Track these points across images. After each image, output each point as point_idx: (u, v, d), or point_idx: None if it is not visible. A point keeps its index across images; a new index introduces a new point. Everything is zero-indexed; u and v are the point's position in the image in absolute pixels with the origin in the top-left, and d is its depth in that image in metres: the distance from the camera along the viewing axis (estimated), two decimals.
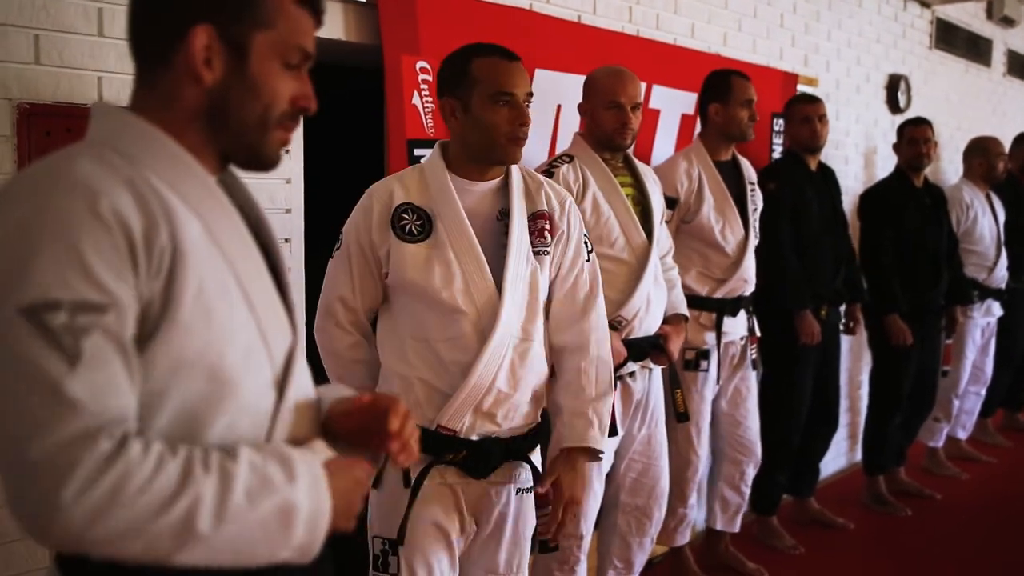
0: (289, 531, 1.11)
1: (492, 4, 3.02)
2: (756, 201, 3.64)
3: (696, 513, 3.73)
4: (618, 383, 2.90)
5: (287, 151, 2.36)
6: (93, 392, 1.00)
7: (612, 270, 2.90)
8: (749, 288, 3.58)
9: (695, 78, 3.76)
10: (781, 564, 3.97)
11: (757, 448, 3.81)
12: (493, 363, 2.10)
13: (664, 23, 3.78)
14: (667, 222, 3.41)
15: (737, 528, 3.90)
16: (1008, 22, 6.72)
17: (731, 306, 3.54)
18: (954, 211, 5.07)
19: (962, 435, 5.61)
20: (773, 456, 4.01)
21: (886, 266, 4.49)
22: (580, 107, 3.03)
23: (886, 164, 5.20)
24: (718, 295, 3.51)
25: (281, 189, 2.58)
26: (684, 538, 3.69)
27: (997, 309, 5.32)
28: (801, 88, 4.48)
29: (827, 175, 4.24)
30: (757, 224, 3.62)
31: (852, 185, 5.05)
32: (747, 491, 3.88)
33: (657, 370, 3.13)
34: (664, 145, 3.75)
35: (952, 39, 6.22)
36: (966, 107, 6.54)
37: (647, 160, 3.61)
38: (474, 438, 2.13)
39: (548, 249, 2.23)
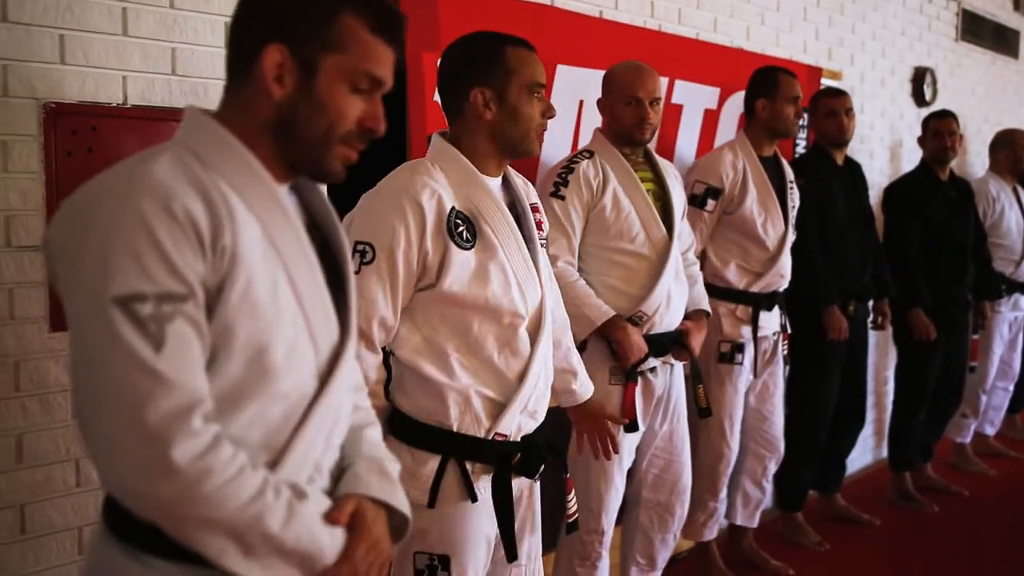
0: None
1: (514, 0, 3.02)
2: (795, 199, 3.66)
3: (723, 508, 3.73)
4: (639, 379, 2.91)
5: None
6: (178, 372, 1.13)
7: (632, 266, 2.90)
8: (784, 283, 3.60)
9: (717, 73, 3.75)
10: (806, 561, 3.95)
11: (780, 444, 3.81)
12: (540, 362, 2.09)
13: (686, 18, 3.77)
14: (710, 212, 3.43)
15: (756, 523, 3.89)
16: None
17: (767, 300, 3.55)
18: (980, 204, 5.03)
19: (990, 431, 5.57)
20: (800, 452, 4.00)
21: (911, 260, 4.47)
22: (599, 103, 3.04)
23: (912, 158, 5.16)
24: (755, 289, 3.52)
25: None
26: (712, 533, 3.68)
27: None
28: (825, 82, 4.46)
29: (853, 169, 4.22)
30: (794, 222, 3.64)
31: (878, 179, 5.01)
32: (768, 486, 3.88)
33: (679, 366, 3.12)
34: (687, 140, 3.74)
35: (978, 31, 6.16)
36: (993, 99, 6.48)
37: (670, 155, 3.60)
38: (519, 439, 2.09)
39: (544, 240, 2.24)
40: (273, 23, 1.26)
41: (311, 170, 1.34)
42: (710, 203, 3.45)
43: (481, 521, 2.06)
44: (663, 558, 3.25)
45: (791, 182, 3.66)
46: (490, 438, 2.03)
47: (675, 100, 3.61)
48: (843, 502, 4.48)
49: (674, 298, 2.97)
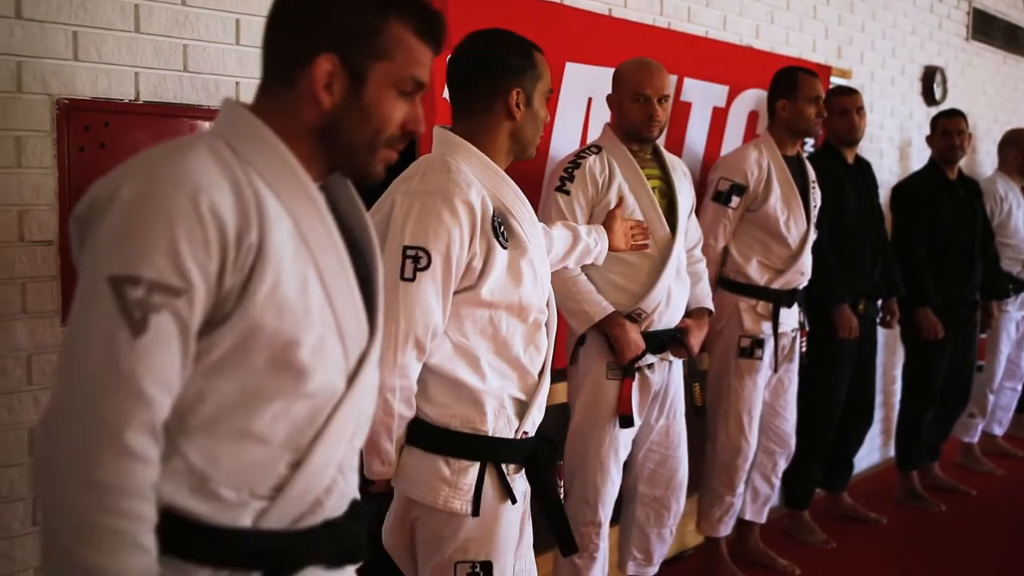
0: None
1: None
2: (816, 199, 3.68)
3: (740, 504, 3.73)
4: (636, 374, 2.93)
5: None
6: (145, 366, 1.12)
7: (634, 263, 2.92)
8: (804, 281, 3.62)
9: (726, 71, 3.76)
10: (813, 559, 3.96)
11: (792, 440, 3.82)
12: (550, 358, 2.10)
13: (695, 15, 3.77)
14: (734, 209, 3.47)
15: (764, 519, 3.90)
16: None
17: (787, 297, 3.57)
18: (988, 203, 5.03)
19: (998, 431, 5.57)
20: (808, 450, 4.01)
21: (918, 259, 4.47)
22: (608, 99, 3.05)
23: (921, 157, 5.15)
24: (775, 285, 3.55)
25: None
26: (728, 529, 3.70)
27: None
28: (835, 81, 4.46)
29: (864, 168, 4.23)
30: (816, 221, 3.66)
31: (887, 178, 5.01)
32: (777, 482, 3.89)
33: (678, 362, 3.14)
34: (696, 138, 3.75)
35: (989, 29, 6.15)
36: (1003, 99, 6.46)
37: (679, 152, 3.61)
38: (533, 433, 2.09)
39: None
40: (324, 33, 1.26)
41: (353, 172, 1.35)
42: (734, 200, 3.48)
43: (516, 520, 2.07)
44: (660, 553, 3.27)
45: (813, 182, 3.68)
46: (519, 437, 2.03)
47: (684, 98, 3.62)
48: (850, 500, 4.48)
49: (674, 296, 2.98)
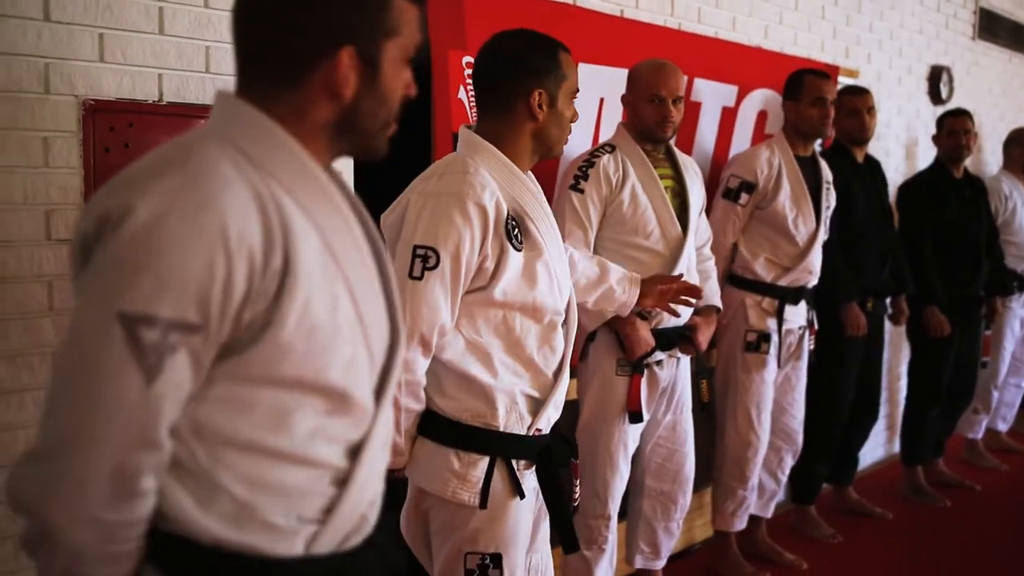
0: None
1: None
2: (830, 200, 3.73)
3: (755, 497, 3.77)
4: (645, 371, 2.97)
5: None
6: (158, 414, 1.06)
7: (646, 261, 2.96)
8: (812, 280, 3.66)
9: (736, 71, 3.79)
10: (819, 553, 3.99)
11: (799, 437, 3.86)
12: (569, 357, 2.14)
13: (705, 16, 3.81)
14: (743, 206, 3.50)
15: (770, 514, 3.94)
16: None
17: (793, 295, 3.61)
18: (993, 202, 5.06)
19: (1002, 427, 5.60)
20: (814, 446, 4.04)
21: (925, 257, 4.50)
22: (623, 99, 3.08)
23: (927, 156, 5.18)
24: (782, 283, 3.59)
25: None
26: (742, 523, 3.74)
27: None
28: (842, 80, 4.48)
29: (873, 167, 4.26)
30: (828, 222, 3.71)
31: (893, 177, 5.03)
32: (783, 478, 3.93)
33: (686, 359, 3.18)
34: (706, 137, 3.78)
35: (996, 29, 6.17)
36: (1010, 98, 6.49)
37: (688, 151, 3.64)
38: (547, 431, 2.12)
39: None
40: (335, 27, 1.18)
41: (364, 154, 1.28)
42: (743, 197, 3.53)
43: (528, 515, 2.11)
44: (667, 546, 3.31)
45: (827, 183, 3.72)
46: (531, 434, 2.07)
47: (694, 98, 3.65)
48: (856, 495, 4.52)
49: None
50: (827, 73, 3.70)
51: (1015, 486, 5.03)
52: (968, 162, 4.79)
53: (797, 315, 3.66)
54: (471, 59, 2.80)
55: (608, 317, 2.88)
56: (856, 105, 4.06)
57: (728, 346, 3.64)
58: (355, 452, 1.23)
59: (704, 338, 3.12)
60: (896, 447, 5.18)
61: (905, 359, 5.14)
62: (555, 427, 2.15)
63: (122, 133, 2.21)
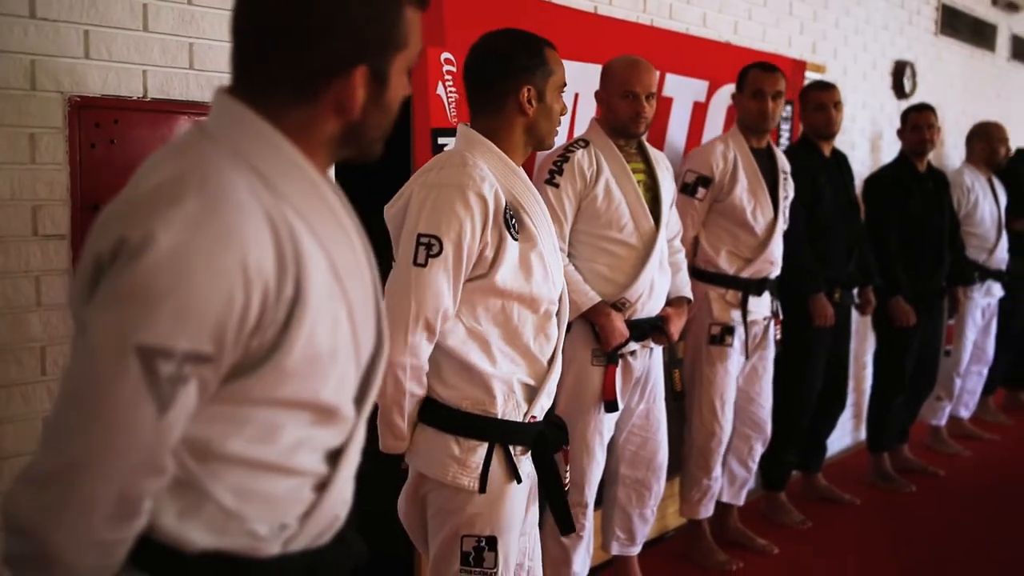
0: None
1: None
2: (788, 190, 3.79)
3: (719, 486, 3.84)
4: (619, 361, 3.03)
5: None
6: (167, 441, 1.08)
7: (620, 254, 3.02)
8: (775, 271, 3.72)
9: (706, 66, 3.86)
10: (789, 538, 4.08)
11: (767, 426, 3.93)
12: (561, 345, 2.22)
13: (677, 13, 3.87)
14: (700, 200, 3.55)
15: (742, 501, 4.02)
16: (1012, 7, 6.82)
17: (756, 286, 3.67)
18: (955, 194, 5.17)
19: (964, 414, 5.73)
20: (784, 435, 4.13)
21: (890, 249, 4.59)
22: (597, 95, 3.14)
23: (892, 149, 5.28)
24: (745, 275, 3.65)
25: None
26: (708, 511, 3.80)
27: (998, 290, 5.43)
28: (809, 75, 4.57)
29: (840, 161, 4.34)
30: (787, 211, 3.77)
31: (859, 170, 5.12)
32: (754, 466, 4.00)
33: (658, 349, 3.25)
34: (677, 132, 3.85)
35: (957, 25, 6.30)
36: (971, 92, 6.62)
37: (660, 146, 3.71)
38: (541, 418, 2.20)
39: None
40: (353, 47, 1.17)
41: (360, 159, 1.28)
42: (700, 191, 3.58)
43: (522, 499, 2.18)
44: (642, 533, 3.38)
45: (784, 172, 3.78)
46: (527, 421, 2.14)
47: (666, 93, 3.72)
48: (824, 482, 4.62)
49: (657, 286, 3.08)
50: (773, 67, 3.70)
51: (977, 471, 5.16)
52: (931, 155, 4.90)
53: (761, 306, 3.72)
54: (450, 55, 2.86)
55: (583, 309, 2.94)
56: (823, 100, 4.13)
57: (693, 340, 3.69)
58: (335, 458, 1.26)
59: (676, 329, 3.19)
60: (863, 435, 5.29)
61: (871, 349, 5.24)
62: (548, 413, 2.22)
63: (108, 129, 2.23)
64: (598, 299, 2.96)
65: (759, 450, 3.97)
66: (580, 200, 2.99)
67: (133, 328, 1.02)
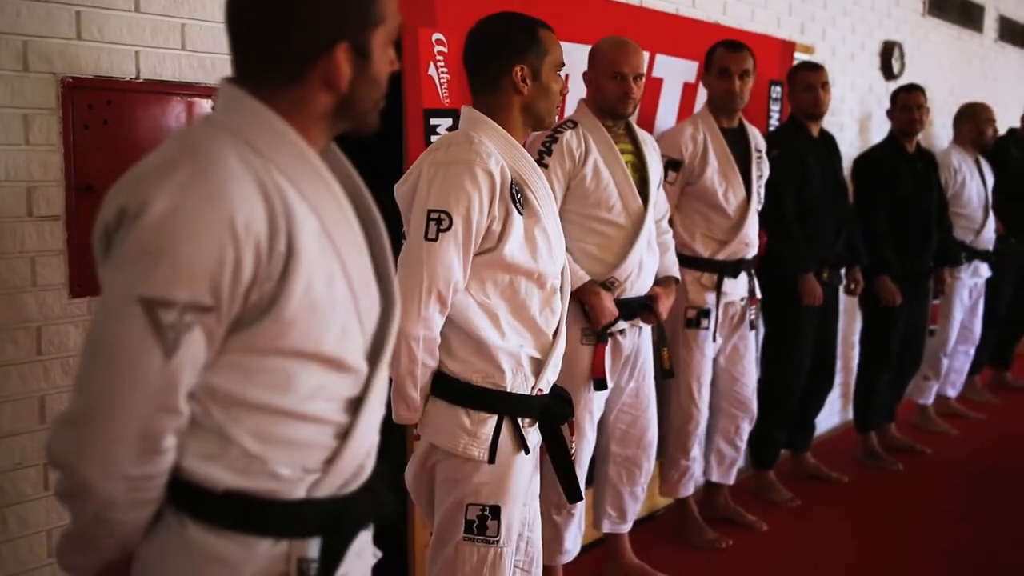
0: None
1: None
2: (762, 168, 3.78)
3: (698, 466, 3.88)
4: (609, 339, 3.06)
5: None
6: (177, 383, 1.18)
7: (609, 234, 3.04)
8: (751, 251, 3.72)
9: (696, 47, 3.87)
10: (779, 516, 4.13)
11: (753, 404, 3.96)
12: (564, 319, 2.27)
13: None
14: (671, 183, 3.55)
15: (732, 480, 4.05)
16: None
17: (731, 268, 3.68)
18: (943, 175, 5.19)
19: (952, 393, 5.79)
20: (772, 413, 4.17)
21: (878, 229, 4.62)
22: (585, 76, 3.15)
23: (880, 130, 5.31)
24: (720, 257, 3.65)
25: None
26: (688, 490, 3.84)
27: (985, 270, 5.46)
28: (798, 56, 4.58)
29: (828, 142, 4.35)
30: (762, 191, 3.76)
31: (848, 151, 5.15)
32: (742, 445, 4.03)
33: (647, 328, 3.28)
34: (667, 112, 3.87)
35: (945, 5, 6.32)
36: (958, 73, 6.65)
37: (650, 127, 3.72)
38: (547, 391, 2.26)
39: None
40: (331, 24, 1.26)
41: (358, 130, 1.37)
42: (671, 174, 3.57)
43: (528, 470, 2.25)
44: (633, 510, 3.42)
45: (758, 151, 3.77)
46: (534, 394, 2.20)
47: (656, 74, 3.73)
48: (813, 461, 4.66)
49: (645, 266, 3.11)
50: (740, 45, 3.67)
51: (964, 449, 5.22)
52: (919, 136, 4.92)
53: (738, 287, 3.72)
54: (441, 36, 2.87)
55: (573, 289, 2.96)
56: (811, 80, 4.15)
57: (670, 323, 3.63)
58: (355, 407, 1.35)
59: (664, 308, 3.22)
60: (850, 414, 5.32)
61: (858, 328, 5.28)
62: (555, 386, 2.29)
63: (100, 110, 2.24)
64: (587, 278, 2.99)
65: (746, 429, 4.00)
66: (569, 180, 3.01)
67: (136, 283, 1.14)
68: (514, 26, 2.25)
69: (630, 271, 3.05)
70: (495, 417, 2.16)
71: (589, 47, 3.16)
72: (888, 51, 5.68)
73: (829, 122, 4.85)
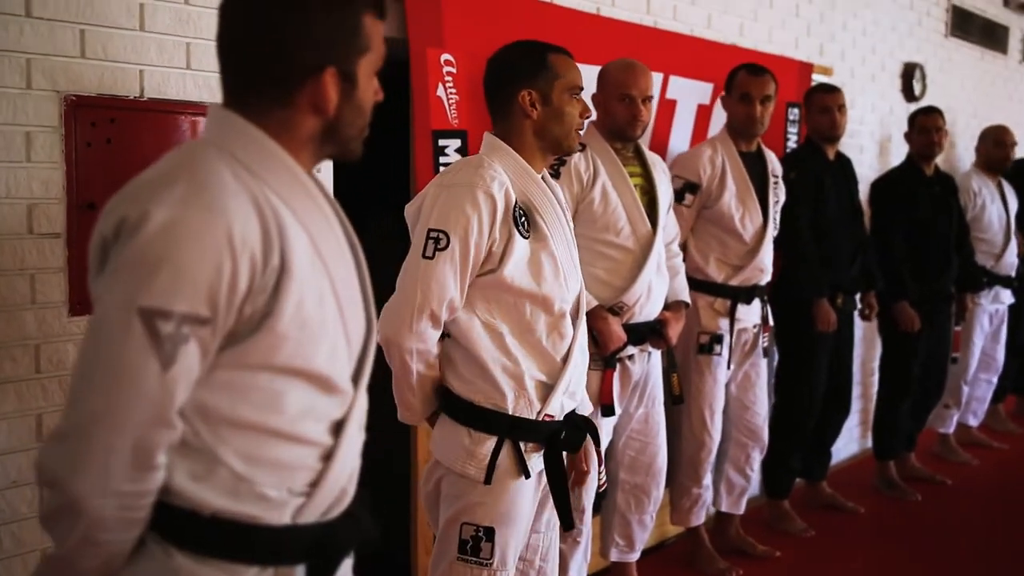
0: None
1: None
2: (779, 194, 3.74)
3: (710, 494, 3.82)
4: (617, 364, 3.02)
5: None
6: (172, 396, 1.18)
7: (617, 258, 3.01)
8: (765, 278, 3.68)
9: (711, 69, 3.84)
10: (792, 547, 4.06)
11: (764, 433, 3.90)
12: (579, 345, 2.25)
13: (681, 14, 3.86)
14: (688, 206, 3.53)
15: (742, 510, 3.98)
16: None
17: (745, 294, 3.63)
18: (963, 199, 5.13)
19: (973, 422, 5.68)
20: (787, 441, 4.11)
21: (896, 253, 4.57)
22: (594, 98, 3.12)
23: (901, 153, 5.24)
24: (734, 282, 3.61)
25: None
26: (699, 519, 3.78)
27: (1007, 296, 5.38)
28: (816, 78, 4.55)
29: (844, 164, 4.31)
30: (778, 216, 3.73)
31: (867, 174, 5.10)
32: (752, 474, 3.96)
33: (656, 353, 3.23)
34: (681, 135, 3.83)
35: (968, 26, 6.26)
36: (981, 95, 6.58)
37: (663, 149, 3.69)
38: (561, 417, 2.24)
39: None
40: (317, 50, 1.29)
41: (342, 156, 1.40)
42: (688, 197, 3.54)
43: (528, 497, 2.23)
44: (641, 539, 3.36)
45: (775, 176, 3.74)
46: (540, 419, 2.19)
47: (669, 96, 3.70)
48: (829, 490, 4.58)
49: (654, 290, 3.07)
50: (762, 69, 3.63)
51: (985, 480, 5.12)
52: (940, 159, 4.87)
53: (751, 314, 3.67)
54: (449, 57, 2.85)
55: None
56: (827, 103, 4.11)
57: (681, 348, 3.60)
58: (338, 429, 1.35)
59: (674, 333, 3.18)
60: (869, 442, 5.25)
61: (877, 355, 5.20)
62: (573, 414, 2.28)
63: (104, 129, 2.24)
64: (595, 303, 2.95)
65: (756, 458, 3.94)
66: (577, 203, 2.98)
67: (135, 293, 1.15)
68: (521, 52, 2.28)
69: (639, 295, 3.02)
70: (494, 439, 2.16)
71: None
72: (909, 72, 5.63)
73: (848, 144, 4.81)
